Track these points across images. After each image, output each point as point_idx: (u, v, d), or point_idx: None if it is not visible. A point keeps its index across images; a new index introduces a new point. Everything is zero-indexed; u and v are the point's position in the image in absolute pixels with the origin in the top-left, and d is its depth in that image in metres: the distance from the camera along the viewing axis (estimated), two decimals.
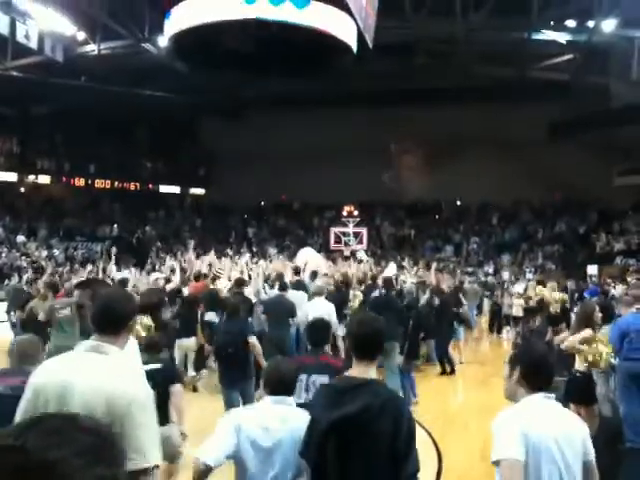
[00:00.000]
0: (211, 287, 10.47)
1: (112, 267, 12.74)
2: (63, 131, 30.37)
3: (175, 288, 9.76)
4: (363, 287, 11.48)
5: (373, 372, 2.87)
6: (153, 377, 3.43)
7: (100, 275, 12.48)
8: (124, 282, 9.69)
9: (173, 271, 12.11)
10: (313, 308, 8.04)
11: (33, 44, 22.85)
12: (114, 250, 14.63)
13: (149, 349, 4.92)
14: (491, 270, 25.04)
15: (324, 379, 3.66)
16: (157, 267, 17.33)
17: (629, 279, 17.00)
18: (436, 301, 11.01)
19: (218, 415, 4.51)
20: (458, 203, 31.61)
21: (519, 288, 16.44)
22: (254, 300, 9.40)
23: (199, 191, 34.72)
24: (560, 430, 2.59)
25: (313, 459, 2.78)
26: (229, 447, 2.97)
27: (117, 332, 2.51)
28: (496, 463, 2.55)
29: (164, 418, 4.44)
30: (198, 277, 10.99)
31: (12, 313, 12.33)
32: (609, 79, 23.13)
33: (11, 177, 27.74)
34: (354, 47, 9.98)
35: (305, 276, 11.52)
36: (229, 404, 6.33)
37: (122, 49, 24.08)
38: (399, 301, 9.82)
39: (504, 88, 26.61)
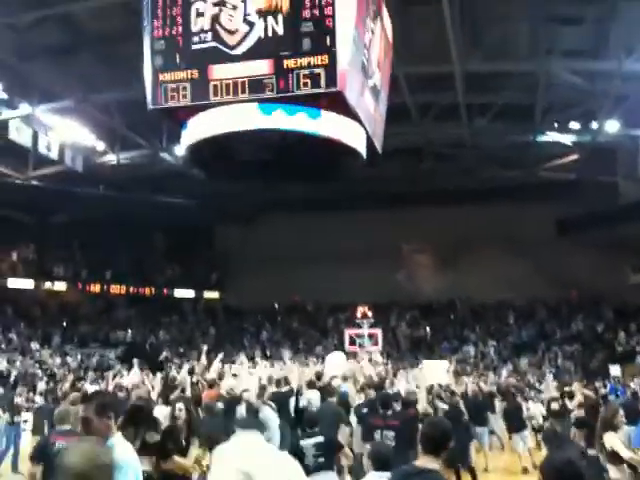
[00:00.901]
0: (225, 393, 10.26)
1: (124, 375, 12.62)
2: (80, 238, 30.95)
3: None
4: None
5: (436, 465, 3.54)
6: None
7: (110, 382, 12.35)
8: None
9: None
10: None
11: (54, 154, 23.78)
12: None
13: None
14: (505, 372, 24.33)
15: None
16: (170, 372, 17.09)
17: None
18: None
19: None
20: (473, 302, 31.41)
21: (545, 392, 15.95)
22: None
23: (213, 295, 34.80)
24: None
25: None
26: None
27: None
28: None
29: None
30: (212, 384, 10.80)
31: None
32: (616, 177, 23.53)
33: (28, 284, 28.00)
34: (364, 152, 10.25)
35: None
36: None
37: (140, 158, 24.94)
38: None
39: (512, 188, 27.14)
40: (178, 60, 9.22)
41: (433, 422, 4.05)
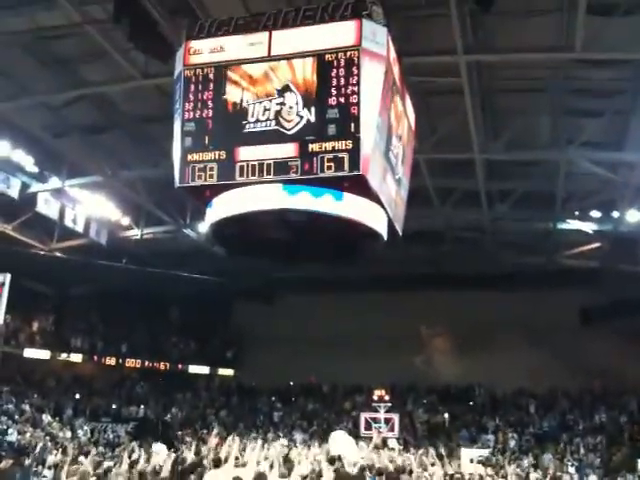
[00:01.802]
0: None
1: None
2: (99, 310, 31.12)
3: None
4: None
5: None
6: None
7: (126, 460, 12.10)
8: None
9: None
10: None
11: (79, 228, 24.23)
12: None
13: None
14: (526, 464, 23.46)
15: None
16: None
17: None
18: None
19: None
20: (492, 389, 30.68)
21: None
22: None
23: (228, 372, 34.39)
24: None
25: None
26: None
27: None
28: None
29: None
30: (218, 464, 10.53)
31: None
32: (639, 266, 23.30)
33: (44, 355, 27.96)
34: (385, 235, 10.34)
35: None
36: None
37: (163, 234, 25.31)
38: None
39: (533, 275, 26.98)
40: (207, 142, 9.51)
41: None
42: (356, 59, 8.84)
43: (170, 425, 28.18)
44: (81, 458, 14.42)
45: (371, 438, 19.75)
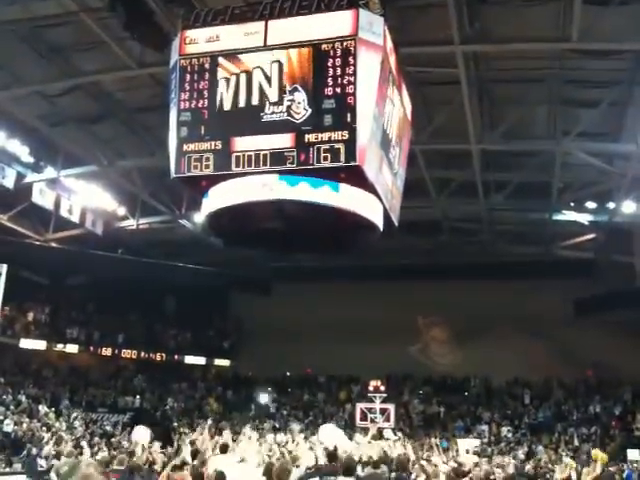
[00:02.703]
0: None
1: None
2: (95, 301, 31.06)
3: None
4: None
5: None
6: None
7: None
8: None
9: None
10: None
11: (75, 218, 24.19)
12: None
13: None
14: (521, 454, 23.58)
15: None
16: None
17: None
18: None
19: None
20: (487, 380, 30.81)
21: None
22: None
23: (224, 362, 34.43)
24: None
25: None
26: None
27: None
28: None
29: None
30: (225, 449, 10.47)
31: None
32: (634, 257, 23.40)
33: (40, 345, 27.93)
34: (381, 226, 10.34)
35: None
36: None
37: (159, 224, 25.30)
38: None
39: (528, 265, 27.06)
40: (202, 132, 9.48)
41: None
42: (352, 49, 8.79)
43: (168, 416, 28.22)
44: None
45: (366, 429, 19.85)
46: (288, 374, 33.53)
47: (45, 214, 23.72)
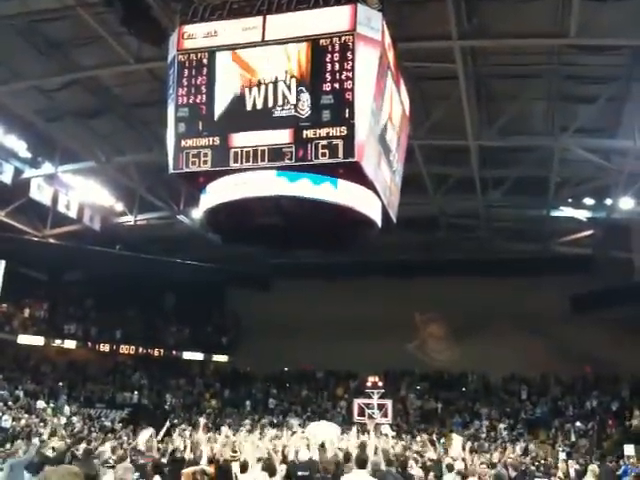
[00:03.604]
0: None
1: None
2: (93, 297, 31.06)
3: None
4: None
5: None
6: None
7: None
8: None
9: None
10: None
11: (72, 214, 24.15)
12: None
13: None
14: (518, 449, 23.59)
15: None
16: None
17: None
18: None
19: None
20: (485, 375, 30.87)
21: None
22: None
23: (222, 358, 34.48)
24: None
25: None
26: None
27: None
28: None
29: None
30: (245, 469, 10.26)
31: None
32: (631, 253, 23.42)
33: (38, 341, 27.94)
34: (379, 222, 10.32)
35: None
36: None
37: (157, 220, 25.26)
38: None
39: (526, 261, 27.08)
40: (200, 127, 9.46)
41: None
42: (351, 44, 8.75)
43: (168, 413, 28.19)
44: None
45: (363, 424, 19.88)
46: (286, 370, 33.57)
47: (43, 210, 23.68)
